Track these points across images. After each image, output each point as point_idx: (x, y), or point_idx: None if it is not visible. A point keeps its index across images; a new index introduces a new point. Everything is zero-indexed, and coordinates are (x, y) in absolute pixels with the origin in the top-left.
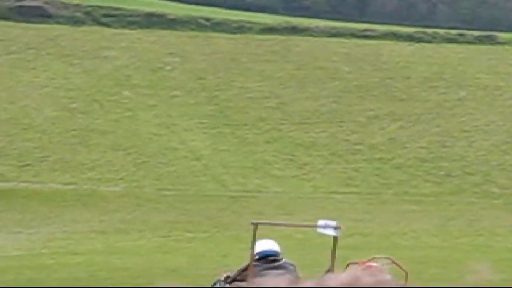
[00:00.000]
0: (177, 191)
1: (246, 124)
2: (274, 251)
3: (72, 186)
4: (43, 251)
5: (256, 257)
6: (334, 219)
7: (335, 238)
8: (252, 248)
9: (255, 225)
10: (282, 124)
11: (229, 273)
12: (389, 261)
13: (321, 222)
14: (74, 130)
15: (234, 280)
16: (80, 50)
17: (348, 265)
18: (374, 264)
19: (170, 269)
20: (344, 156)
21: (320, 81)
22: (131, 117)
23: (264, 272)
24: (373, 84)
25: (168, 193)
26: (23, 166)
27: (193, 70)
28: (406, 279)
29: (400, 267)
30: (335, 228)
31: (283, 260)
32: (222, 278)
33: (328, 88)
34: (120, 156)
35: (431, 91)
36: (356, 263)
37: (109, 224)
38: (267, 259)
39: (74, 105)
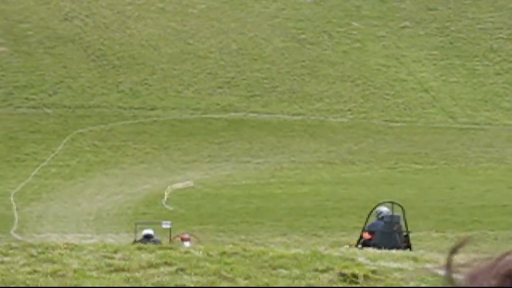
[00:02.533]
0: (405, 122)
1: (476, 56)
2: (151, 234)
3: (300, 117)
4: (271, 180)
5: (142, 237)
6: None
7: (169, 229)
8: (136, 234)
9: (136, 224)
10: None
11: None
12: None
13: (165, 222)
14: (302, 61)
15: (139, 242)
16: None
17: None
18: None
19: (396, 200)
20: None
21: None
22: (359, 48)
23: (145, 242)
24: None
25: (395, 124)
26: (251, 96)
27: (423, 0)
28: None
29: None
30: (170, 225)
31: (155, 238)
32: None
33: None
34: (348, 87)
35: None
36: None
37: (336, 155)
38: (147, 238)
39: (303, 36)
